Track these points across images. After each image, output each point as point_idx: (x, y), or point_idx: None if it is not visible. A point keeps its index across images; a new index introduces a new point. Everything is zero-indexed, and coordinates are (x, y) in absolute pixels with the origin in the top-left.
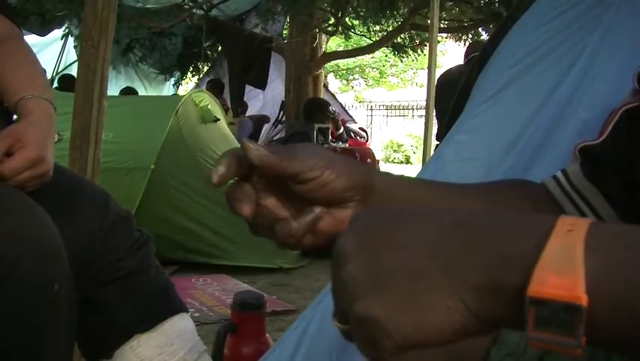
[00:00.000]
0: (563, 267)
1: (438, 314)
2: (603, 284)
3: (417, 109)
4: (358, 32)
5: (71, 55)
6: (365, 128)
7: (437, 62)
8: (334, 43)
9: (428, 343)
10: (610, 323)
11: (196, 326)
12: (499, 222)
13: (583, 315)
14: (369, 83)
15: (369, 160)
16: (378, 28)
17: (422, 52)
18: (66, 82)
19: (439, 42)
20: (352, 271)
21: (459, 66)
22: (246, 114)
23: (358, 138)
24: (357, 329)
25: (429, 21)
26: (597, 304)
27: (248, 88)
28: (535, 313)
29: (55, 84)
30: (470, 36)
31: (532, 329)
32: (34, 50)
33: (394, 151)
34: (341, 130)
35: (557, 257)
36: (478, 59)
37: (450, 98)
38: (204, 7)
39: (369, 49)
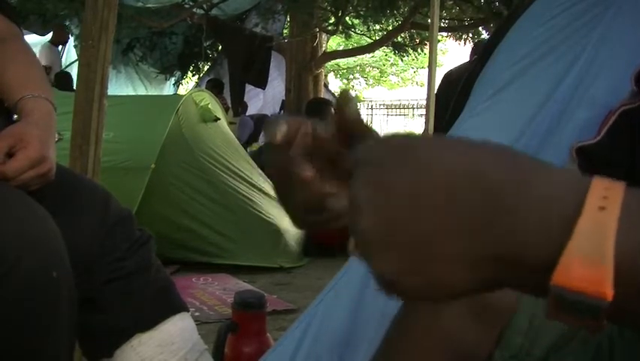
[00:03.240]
0: (591, 257)
1: (451, 278)
2: (633, 271)
3: (417, 108)
4: (359, 31)
5: (72, 54)
6: None
7: (437, 61)
8: (334, 43)
9: (440, 299)
10: (635, 307)
11: (197, 325)
12: (522, 178)
13: (607, 307)
14: (370, 82)
15: None
16: (378, 27)
17: (422, 51)
18: (60, 80)
19: (439, 41)
20: (367, 228)
21: (466, 63)
22: (246, 114)
23: None
24: (378, 282)
25: (429, 20)
26: (624, 291)
27: (248, 87)
28: (558, 299)
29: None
30: (471, 35)
31: (552, 310)
32: (34, 49)
33: None
34: None
35: (585, 245)
36: (478, 57)
37: (452, 96)
38: (205, 6)
39: (369, 48)
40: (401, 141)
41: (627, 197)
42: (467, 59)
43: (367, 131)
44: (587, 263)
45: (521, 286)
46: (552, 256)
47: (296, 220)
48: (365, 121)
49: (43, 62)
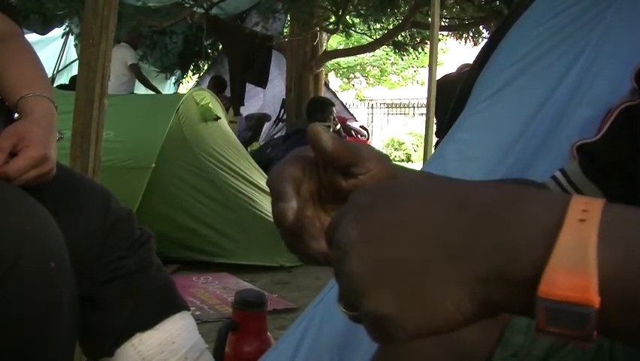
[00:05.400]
0: (574, 266)
1: (448, 306)
2: (617, 281)
3: (418, 107)
4: (359, 30)
5: (72, 53)
6: (366, 126)
7: (438, 60)
8: (335, 42)
9: (441, 331)
10: (623, 319)
11: (197, 324)
12: (505, 202)
13: (594, 315)
14: (370, 82)
15: None
16: (378, 26)
17: (423, 50)
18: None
19: (439, 40)
20: (356, 267)
21: (455, 72)
22: (246, 113)
23: (359, 136)
24: (369, 323)
25: (430, 19)
26: (610, 301)
27: (249, 86)
28: (545, 310)
29: (65, 83)
30: (471, 34)
31: (541, 324)
32: (34, 48)
33: (395, 149)
34: (338, 127)
35: (569, 255)
36: (478, 57)
37: (449, 100)
38: (205, 5)
39: (370, 47)
40: (386, 185)
41: (606, 211)
42: (467, 59)
43: (352, 155)
44: (571, 272)
45: (516, 306)
46: (538, 270)
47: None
48: (346, 144)
49: (130, 61)
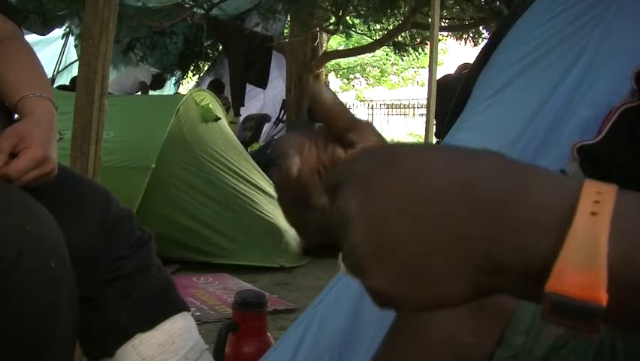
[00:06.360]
0: (584, 263)
1: (450, 288)
2: (626, 277)
3: (418, 107)
4: (359, 31)
5: (72, 54)
6: None
7: (438, 61)
8: (335, 42)
9: (443, 308)
10: (630, 311)
11: (197, 324)
12: (514, 185)
13: (601, 311)
14: (370, 82)
15: None
16: (379, 26)
17: (423, 50)
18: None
19: (439, 40)
20: (358, 241)
21: (455, 74)
22: (247, 114)
23: None
24: (372, 297)
25: (430, 19)
26: (618, 296)
27: (249, 87)
28: (552, 304)
29: (66, 84)
30: (471, 34)
31: (547, 315)
32: (35, 48)
33: None
34: None
35: (579, 251)
36: (479, 57)
37: (449, 101)
38: (205, 6)
39: (370, 48)
40: (389, 152)
41: (619, 200)
42: (467, 60)
43: (350, 116)
44: (580, 269)
45: (518, 292)
46: (546, 263)
47: (287, 215)
48: (344, 106)
49: (142, 78)
